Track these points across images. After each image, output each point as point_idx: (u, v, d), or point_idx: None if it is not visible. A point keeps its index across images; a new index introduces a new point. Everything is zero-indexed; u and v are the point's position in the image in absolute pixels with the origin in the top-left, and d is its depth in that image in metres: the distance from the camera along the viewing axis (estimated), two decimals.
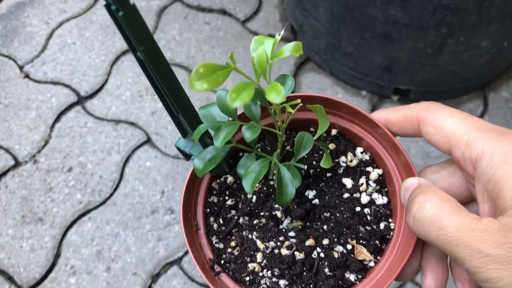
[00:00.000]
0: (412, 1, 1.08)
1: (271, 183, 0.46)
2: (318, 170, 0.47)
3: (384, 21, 1.14)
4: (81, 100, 1.36)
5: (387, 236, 0.43)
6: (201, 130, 0.37)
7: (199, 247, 0.43)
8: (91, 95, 1.37)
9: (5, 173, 1.24)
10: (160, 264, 1.10)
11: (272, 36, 1.57)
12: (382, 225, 0.44)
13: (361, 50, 1.25)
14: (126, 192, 1.20)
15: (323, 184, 0.46)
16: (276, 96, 0.31)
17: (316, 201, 0.46)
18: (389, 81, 1.29)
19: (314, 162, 0.47)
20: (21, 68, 1.43)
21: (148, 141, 1.28)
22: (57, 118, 1.33)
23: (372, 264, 0.42)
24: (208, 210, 0.46)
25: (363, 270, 0.42)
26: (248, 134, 0.38)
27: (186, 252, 1.12)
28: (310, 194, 0.46)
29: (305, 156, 0.46)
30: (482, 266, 0.30)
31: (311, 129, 0.49)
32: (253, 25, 1.47)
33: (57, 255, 1.13)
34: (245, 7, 1.51)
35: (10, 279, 1.10)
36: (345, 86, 1.35)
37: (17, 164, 1.26)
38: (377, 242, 0.43)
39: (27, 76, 1.41)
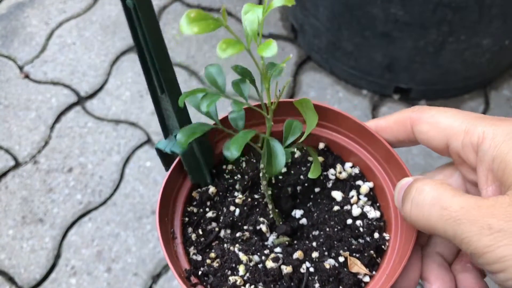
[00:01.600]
0: (412, 0, 1.08)
1: (256, 196, 0.44)
2: (306, 185, 0.44)
3: (385, 20, 1.14)
4: (81, 101, 1.36)
5: (382, 247, 0.40)
6: (185, 96, 0.34)
7: (175, 256, 0.40)
8: (91, 95, 1.36)
9: (5, 173, 1.24)
10: (161, 265, 1.10)
11: (272, 36, 1.56)
12: (376, 236, 0.41)
13: (362, 49, 1.25)
14: (127, 193, 1.20)
15: (311, 203, 0.44)
16: (268, 50, 0.29)
17: (303, 220, 0.43)
18: (390, 80, 1.29)
19: (301, 177, 0.44)
20: (21, 68, 1.43)
21: (148, 141, 1.28)
22: (57, 119, 1.32)
23: (367, 279, 0.38)
24: (187, 219, 0.43)
25: (357, 285, 0.38)
26: (236, 108, 0.36)
27: None
28: (297, 213, 0.44)
29: (292, 171, 0.44)
30: (492, 244, 0.28)
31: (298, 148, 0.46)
32: None
33: (57, 256, 1.12)
34: None
35: (10, 280, 1.10)
36: (346, 85, 1.35)
37: (17, 164, 1.26)
38: (371, 252, 0.39)
39: (27, 76, 1.41)
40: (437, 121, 0.36)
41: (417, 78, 1.27)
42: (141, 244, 1.13)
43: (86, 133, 1.29)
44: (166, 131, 0.42)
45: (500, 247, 0.27)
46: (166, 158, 0.42)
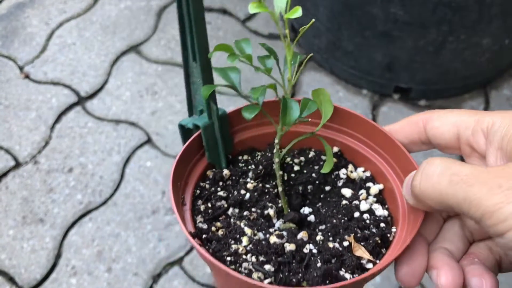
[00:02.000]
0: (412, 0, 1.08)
1: (267, 185, 0.45)
2: (317, 183, 0.45)
3: (385, 20, 1.14)
4: (81, 101, 1.36)
5: (388, 236, 0.40)
6: (216, 49, 0.38)
7: (182, 218, 0.41)
8: (91, 96, 1.36)
9: (5, 174, 1.24)
10: (161, 264, 1.10)
11: (273, 35, 1.56)
12: (382, 226, 0.41)
13: (362, 49, 1.25)
14: (127, 193, 1.20)
15: (320, 203, 0.45)
16: (295, 14, 0.35)
17: (311, 217, 0.44)
18: (390, 79, 1.29)
19: (313, 175, 0.45)
20: (21, 68, 1.43)
21: (149, 141, 1.28)
22: (58, 119, 1.32)
23: (370, 265, 0.39)
24: (198, 192, 0.44)
25: (359, 268, 0.38)
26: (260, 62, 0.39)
27: (187, 252, 1.11)
28: (306, 210, 0.45)
29: (304, 171, 0.46)
30: (502, 201, 0.28)
31: (312, 149, 0.48)
32: (253, 24, 1.47)
33: (58, 256, 1.12)
34: (245, 6, 1.51)
35: (11, 280, 1.10)
36: (346, 85, 1.35)
37: (17, 165, 1.26)
38: (377, 239, 0.39)
39: (27, 76, 1.41)
40: (448, 117, 0.39)
41: (417, 78, 1.27)
42: (142, 244, 1.13)
43: (86, 133, 1.30)
44: (191, 109, 0.44)
45: (510, 203, 0.28)
46: (187, 135, 0.44)
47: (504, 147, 0.34)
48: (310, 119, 0.43)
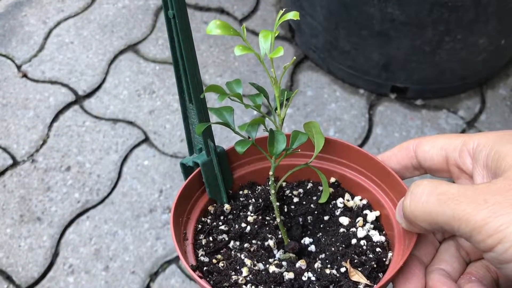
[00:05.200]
0: None
1: (267, 218, 0.46)
2: (315, 213, 0.47)
3: (381, 19, 1.14)
4: (79, 99, 1.36)
5: (384, 260, 0.41)
6: (207, 90, 0.41)
7: (183, 252, 0.42)
8: (89, 94, 1.37)
9: (3, 172, 1.24)
10: (159, 263, 1.10)
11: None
12: (378, 251, 0.42)
13: (359, 48, 1.25)
14: (124, 191, 1.20)
15: (320, 233, 0.46)
16: (277, 54, 0.37)
17: (312, 247, 0.45)
18: (387, 79, 1.29)
19: (312, 205, 0.47)
20: (18, 67, 1.43)
21: (146, 140, 1.28)
22: (55, 117, 1.33)
23: None
24: (200, 226, 0.45)
25: None
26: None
27: None
28: (307, 240, 0.46)
29: (303, 202, 0.47)
30: (490, 215, 0.29)
31: (311, 180, 0.49)
32: (250, 24, 1.47)
33: (55, 254, 1.13)
34: (242, 6, 1.51)
35: (8, 278, 1.10)
36: (343, 85, 1.35)
37: (15, 163, 1.26)
38: (373, 263, 0.40)
39: (25, 75, 1.41)
40: (436, 141, 0.40)
41: (413, 77, 1.27)
42: (139, 243, 1.13)
43: (84, 132, 1.30)
44: (192, 149, 0.47)
45: (496, 217, 0.29)
46: (188, 173, 0.46)
47: (489, 165, 0.35)
48: (300, 150, 0.45)
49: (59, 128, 1.31)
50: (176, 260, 1.11)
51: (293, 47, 1.43)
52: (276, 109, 0.42)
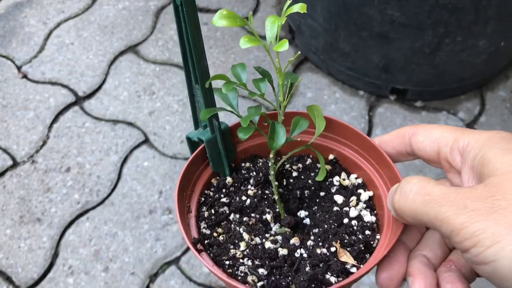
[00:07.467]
0: (409, 1, 1.08)
1: (266, 191, 0.48)
2: (312, 188, 0.49)
3: (381, 21, 1.14)
4: (79, 101, 1.36)
5: (372, 243, 0.43)
6: (212, 78, 0.42)
7: (187, 225, 0.45)
8: (89, 95, 1.37)
9: (3, 173, 1.24)
10: (158, 264, 1.10)
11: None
12: (367, 233, 0.44)
13: (359, 50, 1.25)
14: (124, 192, 1.20)
15: (316, 207, 0.48)
16: (282, 47, 0.37)
17: (307, 220, 0.47)
18: (387, 80, 1.29)
19: (310, 181, 0.49)
20: (19, 68, 1.43)
21: (146, 141, 1.28)
22: (55, 118, 1.33)
23: (354, 270, 0.42)
24: (203, 199, 0.48)
25: (344, 273, 0.42)
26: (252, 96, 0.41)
27: (184, 252, 1.12)
28: (302, 213, 0.48)
29: (302, 176, 0.50)
30: (467, 220, 0.31)
31: (310, 156, 0.51)
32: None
33: (55, 255, 1.13)
34: (242, 7, 1.51)
35: (8, 279, 1.10)
36: (343, 86, 1.36)
37: (15, 164, 1.26)
38: (361, 246, 0.43)
39: (25, 76, 1.41)
40: (431, 133, 0.42)
41: (413, 79, 1.28)
42: (139, 244, 1.13)
43: (84, 133, 1.30)
44: (197, 123, 0.49)
45: (473, 223, 0.31)
46: (194, 146, 0.48)
47: (475, 168, 0.36)
48: (299, 139, 0.48)
49: (59, 129, 1.31)
50: (175, 261, 1.11)
51: (293, 48, 1.43)
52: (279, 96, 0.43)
